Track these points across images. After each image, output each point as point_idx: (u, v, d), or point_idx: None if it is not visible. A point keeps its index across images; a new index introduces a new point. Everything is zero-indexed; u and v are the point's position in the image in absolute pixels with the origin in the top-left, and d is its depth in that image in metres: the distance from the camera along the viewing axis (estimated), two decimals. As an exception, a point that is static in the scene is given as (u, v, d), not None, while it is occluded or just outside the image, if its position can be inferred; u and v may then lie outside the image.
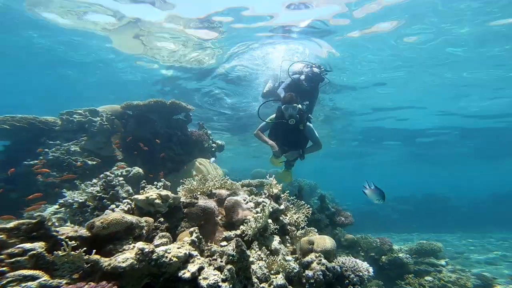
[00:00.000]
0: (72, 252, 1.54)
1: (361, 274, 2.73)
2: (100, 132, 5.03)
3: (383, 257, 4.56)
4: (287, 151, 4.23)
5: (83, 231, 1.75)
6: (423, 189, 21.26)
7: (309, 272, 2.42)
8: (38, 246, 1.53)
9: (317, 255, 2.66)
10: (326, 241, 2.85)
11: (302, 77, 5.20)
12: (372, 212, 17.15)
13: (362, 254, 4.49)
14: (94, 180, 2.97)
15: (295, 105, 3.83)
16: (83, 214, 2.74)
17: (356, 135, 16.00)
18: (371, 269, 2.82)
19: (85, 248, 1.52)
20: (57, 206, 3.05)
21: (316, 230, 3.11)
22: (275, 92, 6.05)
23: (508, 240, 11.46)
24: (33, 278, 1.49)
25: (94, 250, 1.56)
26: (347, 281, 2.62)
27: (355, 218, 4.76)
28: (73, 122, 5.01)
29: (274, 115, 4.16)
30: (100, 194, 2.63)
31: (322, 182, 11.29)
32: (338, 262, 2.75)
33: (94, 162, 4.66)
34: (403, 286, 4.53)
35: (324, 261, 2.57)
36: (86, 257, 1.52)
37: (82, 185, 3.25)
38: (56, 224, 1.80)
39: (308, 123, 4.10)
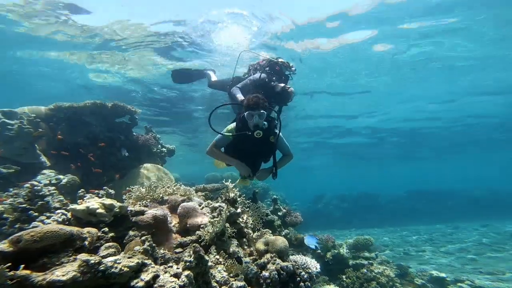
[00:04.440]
0: (-11, 272, 1.25)
1: (310, 271, 2.94)
2: (20, 137, 4.23)
3: (327, 253, 4.97)
4: (255, 169, 3.43)
5: (4, 246, 1.44)
6: (358, 188, 23.97)
7: (265, 273, 2.48)
8: None
9: (272, 255, 2.76)
10: (279, 242, 2.98)
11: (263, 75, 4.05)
12: (317, 211, 18.59)
13: (311, 251, 4.81)
14: (14, 190, 2.47)
15: (262, 111, 2.92)
16: (-3, 230, 2.24)
17: (303, 137, 17.08)
18: (318, 266, 3.07)
19: (9, 264, 1.25)
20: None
21: (270, 232, 3.23)
22: (226, 85, 4.79)
23: (419, 232, 13.80)
24: None
25: (22, 265, 1.29)
26: (299, 278, 2.77)
27: (302, 217, 5.09)
28: (-23, 126, 4.09)
29: (233, 125, 3.22)
30: (23, 205, 2.20)
31: (272, 184, 11.74)
32: (291, 261, 2.89)
33: (12, 170, 3.87)
34: (344, 279, 5.00)
35: (278, 261, 2.68)
36: (10, 273, 1.25)
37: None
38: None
39: (280, 134, 3.22)
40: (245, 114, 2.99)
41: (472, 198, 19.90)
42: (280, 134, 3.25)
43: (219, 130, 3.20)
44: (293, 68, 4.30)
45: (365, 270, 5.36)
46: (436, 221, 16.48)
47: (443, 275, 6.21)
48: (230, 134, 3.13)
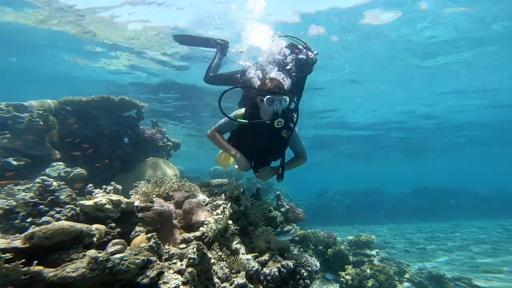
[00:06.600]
0: (6, 265, 1.33)
1: (310, 269, 3.00)
2: (30, 129, 4.35)
3: (329, 250, 5.04)
4: (258, 166, 3.04)
5: (18, 242, 1.52)
6: (362, 184, 23.94)
7: (266, 270, 2.55)
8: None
9: (274, 253, 2.82)
10: (281, 239, 3.04)
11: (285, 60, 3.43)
12: (320, 207, 18.62)
13: (312, 247, 4.88)
14: (26, 185, 2.56)
15: (285, 97, 2.51)
16: (10, 222, 2.35)
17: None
18: (318, 264, 3.13)
19: (23, 260, 1.33)
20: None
21: (272, 229, 3.28)
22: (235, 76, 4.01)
23: (421, 230, 13.81)
24: None
25: (35, 262, 1.37)
26: (299, 276, 2.84)
27: (305, 213, 5.14)
28: (-11, 119, 4.21)
29: (242, 110, 2.82)
30: (35, 200, 2.29)
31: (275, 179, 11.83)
32: (292, 259, 2.96)
33: (22, 162, 3.99)
34: (344, 276, 5.07)
35: (279, 258, 2.74)
36: (24, 268, 1.33)
37: (6, 188, 2.78)
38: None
39: (295, 128, 2.82)
40: (265, 99, 2.48)
41: (477, 197, 19.72)
42: (296, 129, 2.79)
43: (228, 114, 2.84)
44: (315, 52, 3.66)
45: (364, 268, 5.43)
46: (439, 219, 16.44)
47: (441, 273, 6.25)
48: (245, 121, 2.66)
